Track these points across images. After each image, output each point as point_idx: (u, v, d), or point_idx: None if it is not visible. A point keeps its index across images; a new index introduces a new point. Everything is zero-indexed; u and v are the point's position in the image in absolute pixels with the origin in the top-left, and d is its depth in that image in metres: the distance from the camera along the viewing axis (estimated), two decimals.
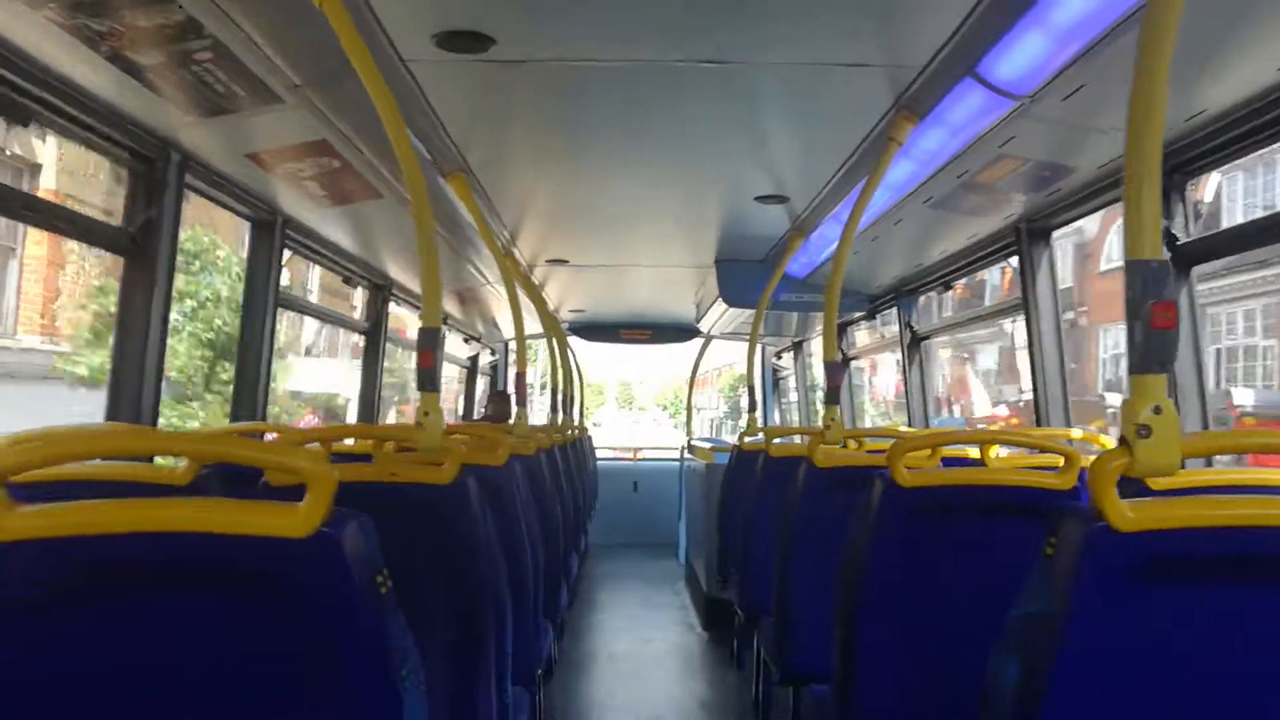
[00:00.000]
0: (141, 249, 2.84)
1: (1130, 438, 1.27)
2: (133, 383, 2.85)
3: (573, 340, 8.80)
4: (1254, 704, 1.29)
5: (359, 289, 5.18)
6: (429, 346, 2.24)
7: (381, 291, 5.26)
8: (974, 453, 2.90)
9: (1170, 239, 2.81)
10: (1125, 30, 2.04)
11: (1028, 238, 3.70)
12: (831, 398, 3.37)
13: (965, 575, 2.13)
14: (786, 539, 3.07)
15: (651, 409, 38.13)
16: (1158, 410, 1.26)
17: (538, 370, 16.00)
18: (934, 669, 2.13)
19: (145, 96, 2.52)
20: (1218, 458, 2.90)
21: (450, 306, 6.75)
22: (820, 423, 3.29)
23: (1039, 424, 3.81)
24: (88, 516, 1.17)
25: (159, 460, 2.45)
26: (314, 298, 11.78)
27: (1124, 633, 1.26)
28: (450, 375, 8.94)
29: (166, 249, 2.89)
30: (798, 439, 5.28)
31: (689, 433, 9.65)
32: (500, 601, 2.19)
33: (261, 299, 3.73)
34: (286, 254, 3.90)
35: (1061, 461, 2.14)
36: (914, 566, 2.14)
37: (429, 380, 2.22)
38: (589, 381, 12.90)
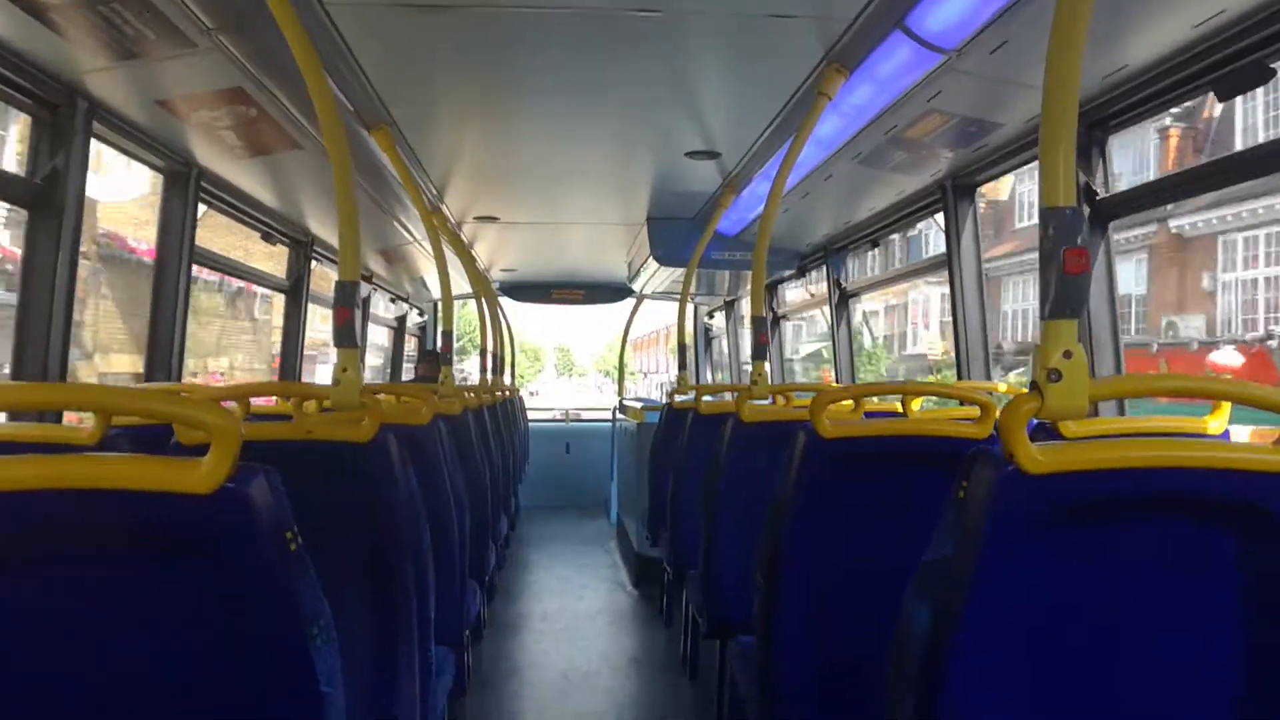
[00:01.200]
0: (47, 201, 2.71)
1: (1041, 382, 1.28)
2: (38, 341, 2.72)
3: (505, 301, 8.70)
4: (1157, 639, 1.33)
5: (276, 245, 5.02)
6: (345, 302, 2.18)
7: (303, 248, 5.12)
8: (898, 406, 2.95)
9: (1090, 194, 2.88)
10: None
11: (953, 194, 3.76)
12: (759, 354, 3.39)
13: (885, 524, 2.16)
14: (713, 493, 3.09)
15: (592, 374, 37.86)
16: (1068, 355, 1.27)
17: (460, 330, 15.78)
18: (854, 616, 2.17)
19: (49, 39, 2.38)
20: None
21: (375, 265, 6.60)
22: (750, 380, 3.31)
23: (960, 376, 3.90)
24: None
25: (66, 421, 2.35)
26: None
27: (1032, 573, 1.28)
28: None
29: (74, 201, 2.75)
30: (727, 396, 5.33)
31: (620, 392, 9.66)
32: (422, 561, 2.15)
33: (175, 255, 3.59)
34: (202, 209, 3.76)
35: (978, 412, 2.19)
36: (836, 516, 2.17)
37: (346, 336, 2.17)
38: (525, 347, 12.74)
